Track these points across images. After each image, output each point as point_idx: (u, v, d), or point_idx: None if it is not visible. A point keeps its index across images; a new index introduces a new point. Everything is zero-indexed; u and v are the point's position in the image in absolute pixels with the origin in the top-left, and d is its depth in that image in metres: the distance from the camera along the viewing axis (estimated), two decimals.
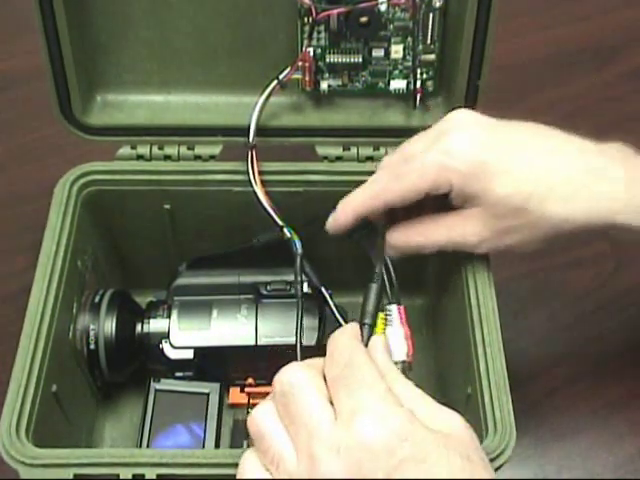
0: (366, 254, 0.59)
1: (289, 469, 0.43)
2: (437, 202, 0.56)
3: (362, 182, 0.63)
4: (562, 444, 0.66)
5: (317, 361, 0.48)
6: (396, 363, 0.52)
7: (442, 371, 0.66)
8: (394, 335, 0.53)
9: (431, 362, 0.68)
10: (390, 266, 0.56)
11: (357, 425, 0.42)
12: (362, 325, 0.53)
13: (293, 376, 0.46)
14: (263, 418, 0.46)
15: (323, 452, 0.42)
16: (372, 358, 0.47)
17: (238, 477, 0.46)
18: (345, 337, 0.48)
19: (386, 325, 0.54)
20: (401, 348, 0.53)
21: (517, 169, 0.53)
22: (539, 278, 0.76)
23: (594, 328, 0.73)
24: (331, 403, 0.44)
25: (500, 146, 0.53)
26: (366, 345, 0.50)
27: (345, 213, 0.58)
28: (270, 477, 0.44)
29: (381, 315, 0.54)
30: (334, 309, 0.60)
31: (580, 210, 0.52)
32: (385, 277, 0.56)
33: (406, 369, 0.53)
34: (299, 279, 0.59)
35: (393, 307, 0.54)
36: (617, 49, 0.96)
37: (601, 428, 0.67)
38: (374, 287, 0.55)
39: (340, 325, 0.58)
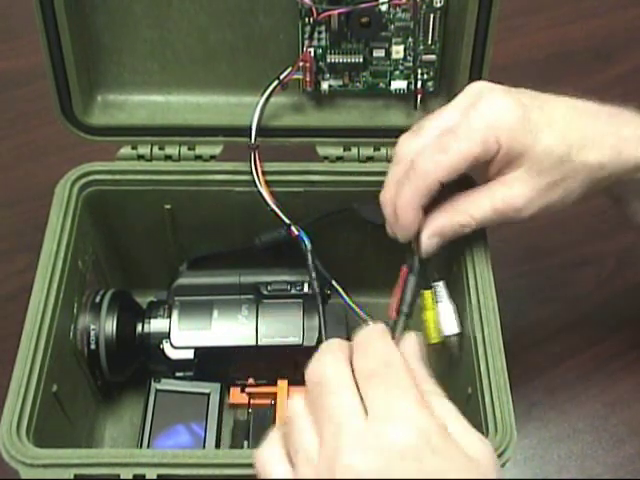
0: (374, 241, 0.59)
1: (310, 456, 0.42)
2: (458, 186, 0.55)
3: (363, 182, 0.63)
4: (562, 444, 0.66)
5: (344, 349, 0.46)
6: (449, 337, 0.56)
7: (443, 371, 0.66)
8: (445, 310, 0.56)
9: (432, 362, 0.68)
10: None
11: (390, 428, 0.41)
12: (399, 313, 0.54)
13: (324, 370, 0.45)
14: (294, 406, 0.45)
15: (350, 446, 0.41)
16: (407, 361, 0.46)
17: (257, 460, 0.45)
18: (379, 334, 0.47)
19: (436, 302, 0.56)
20: (453, 322, 0.56)
21: (555, 122, 0.54)
22: (539, 278, 0.76)
23: (594, 328, 0.73)
24: (361, 397, 0.43)
25: (533, 105, 0.54)
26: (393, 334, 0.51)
27: (407, 215, 0.55)
28: (289, 466, 0.43)
29: (428, 293, 0.56)
30: (353, 306, 0.61)
31: (610, 154, 0.54)
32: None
33: (458, 341, 0.56)
34: (313, 275, 0.60)
35: (440, 283, 0.56)
36: (617, 49, 0.96)
37: (601, 429, 0.67)
38: (412, 279, 0.55)
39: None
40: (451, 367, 0.62)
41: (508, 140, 0.53)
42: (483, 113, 0.53)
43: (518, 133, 0.53)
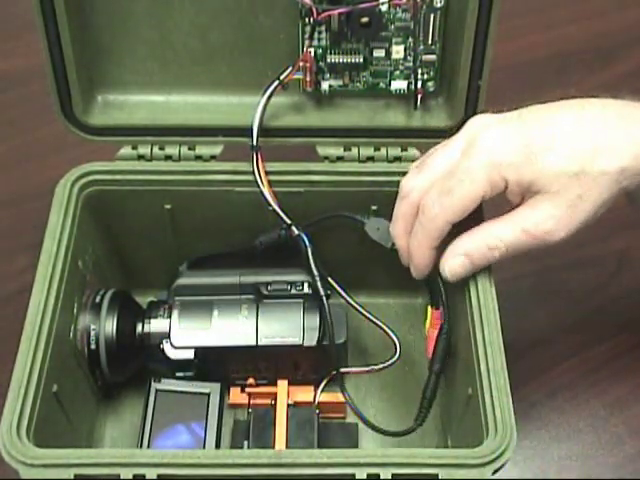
0: (373, 242, 0.61)
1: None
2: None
3: (363, 182, 0.63)
4: (562, 445, 0.66)
5: None
6: None
7: (443, 371, 0.66)
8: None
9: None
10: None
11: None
12: (431, 370, 0.60)
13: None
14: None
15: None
16: None
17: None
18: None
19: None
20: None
21: (559, 142, 0.53)
22: (540, 278, 0.76)
23: (594, 328, 0.73)
24: None
25: (533, 130, 0.54)
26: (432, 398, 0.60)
27: (423, 257, 0.57)
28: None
29: (436, 312, 0.60)
30: (355, 305, 0.62)
31: (628, 156, 0.53)
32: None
33: None
34: (316, 273, 0.61)
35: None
36: (617, 49, 0.96)
37: (601, 429, 0.67)
38: (443, 339, 0.60)
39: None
40: (451, 367, 0.62)
41: (514, 175, 0.53)
42: (482, 151, 0.53)
43: (522, 165, 0.53)
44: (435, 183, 0.55)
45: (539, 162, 0.53)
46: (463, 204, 0.53)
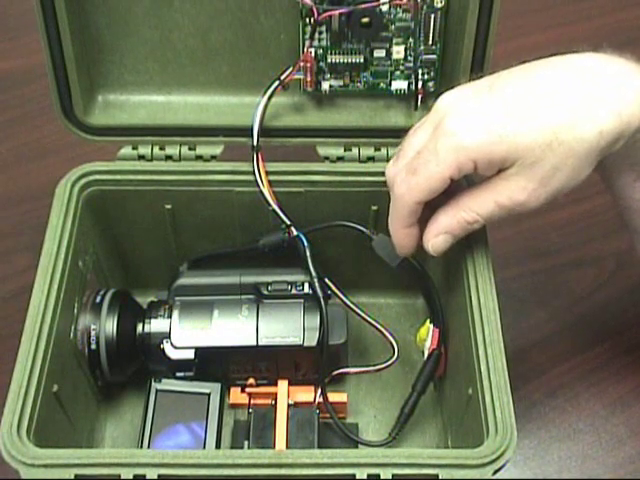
0: (382, 259, 0.60)
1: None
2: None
3: (363, 182, 0.63)
4: (562, 445, 0.66)
5: None
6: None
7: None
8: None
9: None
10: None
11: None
12: (414, 388, 0.61)
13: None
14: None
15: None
16: None
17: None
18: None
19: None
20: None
21: (528, 112, 0.51)
22: (540, 278, 0.76)
23: (595, 328, 0.73)
24: None
25: (503, 103, 0.52)
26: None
27: (399, 236, 0.57)
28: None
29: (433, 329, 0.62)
30: (346, 301, 0.62)
31: (607, 117, 0.51)
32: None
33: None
34: (313, 274, 0.61)
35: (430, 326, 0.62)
36: (617, 49, 0.96)
37: (601, 429, 0.67)
38: (432, 362, 0.61)
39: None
40: (451, 368, 0.62)
41: (483, 156, 0.51)
42: (449, 134, 0.52)
43: (491, 145, 0.51)
44: (405, 162, 0.55)
45: (510, 138, 0.51)
46: (429, 184, 0.53)
